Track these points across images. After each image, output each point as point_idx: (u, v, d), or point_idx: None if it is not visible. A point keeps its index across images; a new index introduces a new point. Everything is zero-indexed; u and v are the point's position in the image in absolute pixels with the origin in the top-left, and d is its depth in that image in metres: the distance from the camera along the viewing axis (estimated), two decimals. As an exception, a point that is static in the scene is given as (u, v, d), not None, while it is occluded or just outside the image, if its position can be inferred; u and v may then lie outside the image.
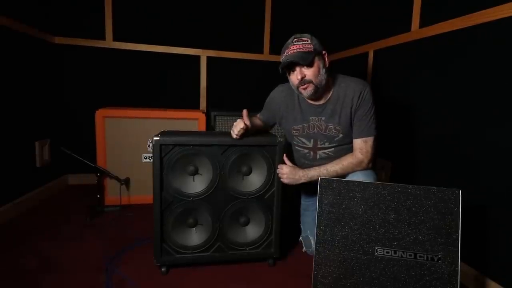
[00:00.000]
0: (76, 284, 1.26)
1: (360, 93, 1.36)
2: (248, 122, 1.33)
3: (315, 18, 2.86)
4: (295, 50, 1.30)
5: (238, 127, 1.33)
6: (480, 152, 1.34)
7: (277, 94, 1.54)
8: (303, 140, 1.48)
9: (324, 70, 1.34)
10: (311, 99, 1.42)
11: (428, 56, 1.65)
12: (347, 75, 1.44)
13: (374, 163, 1.42)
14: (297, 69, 1.32)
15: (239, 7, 2.73)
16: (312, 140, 1.46)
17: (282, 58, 1.34)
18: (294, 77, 1.34)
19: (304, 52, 1.29)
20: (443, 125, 1.54)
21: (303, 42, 1.31)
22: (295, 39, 1.33)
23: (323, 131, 1.42)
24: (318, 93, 1.37)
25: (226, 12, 2.71)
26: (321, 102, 1.42)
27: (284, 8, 2.82)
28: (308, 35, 1.34)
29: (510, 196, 1.21)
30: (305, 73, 1.32)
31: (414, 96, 1.75)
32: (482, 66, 1.34)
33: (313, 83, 1.32)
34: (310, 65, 1.31)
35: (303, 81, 1.32)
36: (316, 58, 1.32)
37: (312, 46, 1.31)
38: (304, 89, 1.34)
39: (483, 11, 1.32)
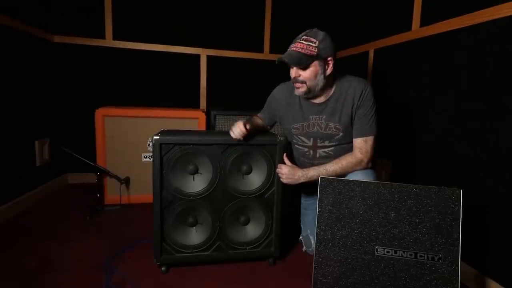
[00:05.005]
0: (76, 283, 1.26)
1: (361, 92, 1.35)
2: (248, 127, 1.33)
3: (316, 17, 2.85)
4: (295, 49, 1.29)
5: (238, 131, 1.31)
6: (480, 151, 1.34)
7: (278, 92, 1.54)
8: (303, 138, 1.48)
9: (322, 76, 1.32)
10: (310, 97, 1.41)
11: (429, 55, 1.64)
12: (348, 74, 1.44)
13: (373, 162, 1.41)
14: (293, 67, 1.33)
15: (239, 6, 2.73)
16: (312, 139, 1.46)
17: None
18: (291, 73, 1.36)
19: (304, 54, 1.27)
20: (443, 125, 1.54)
21: (308, 43, 1.28)
22: (303, 37, 1.30)
23: (323, 129, 1.42)
24: (310, 95, 1.37)
25: (226, 11, 2.71)
26: (322, 100, 1.41)
27: (284, 6, 2.81)
28: (322, 36, 1.29)
29: (510, 196, 1.21)
30: (300, 73, 1.32)
31: (414, 95, 1.74)
32: (483, 66, 1.34)
33: (306, 85, 1.33)
34: (304, 68, 1.30)
35: (296, 80, 1.34)
36: (316, 63, 1.30)
37: (316, 50, 1.27)
38: (297, 88, 1.36)
39: (484, 10, 1.31)
